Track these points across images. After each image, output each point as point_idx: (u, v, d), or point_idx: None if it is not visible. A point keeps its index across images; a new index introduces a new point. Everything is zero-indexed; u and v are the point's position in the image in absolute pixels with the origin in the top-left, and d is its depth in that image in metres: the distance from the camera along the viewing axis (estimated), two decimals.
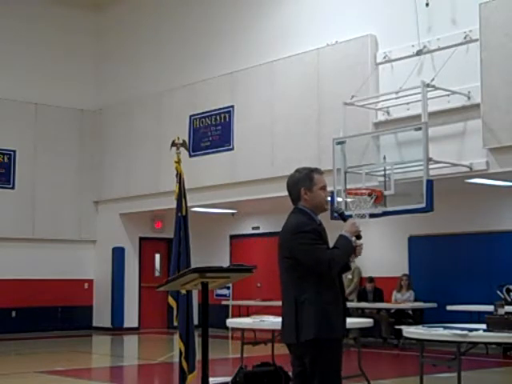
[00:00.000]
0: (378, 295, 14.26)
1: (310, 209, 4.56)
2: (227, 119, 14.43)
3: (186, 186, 7.41)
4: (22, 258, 16.77)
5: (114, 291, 17.47)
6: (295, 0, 13.93)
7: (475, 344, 6.89)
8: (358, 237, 4.50)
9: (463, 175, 10.88)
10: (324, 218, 4.71)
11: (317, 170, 4.65)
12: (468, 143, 10.79)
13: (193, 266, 6.09)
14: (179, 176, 7.27)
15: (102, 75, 18.37)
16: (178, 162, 7.28)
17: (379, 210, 10.60)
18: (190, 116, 15.18)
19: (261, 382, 8.42)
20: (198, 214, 15.11)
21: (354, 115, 11.61)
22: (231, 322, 9.63)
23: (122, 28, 17.96)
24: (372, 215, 10.64)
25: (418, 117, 10.41)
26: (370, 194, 10.54)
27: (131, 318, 17.56)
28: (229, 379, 8.48)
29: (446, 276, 13.77)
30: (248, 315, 12.97)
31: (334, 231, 4.66)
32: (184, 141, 7.59)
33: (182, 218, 7.22)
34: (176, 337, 7.67)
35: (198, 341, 6.24)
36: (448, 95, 10.83)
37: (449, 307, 12.69)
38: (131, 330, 17.30)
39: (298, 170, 4.66)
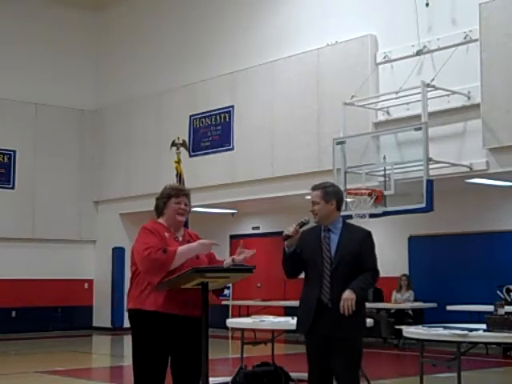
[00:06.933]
0: (378, 295, 14.24)
1: None
2: (227, 119, 14.43)
3: (186, 186, 7.40)
4: (22, 257, 16.75)
5: (113, 291, 17.44)
6: (295, 0, 13.93)
7: (475, 344, 6.89)
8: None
9: (463, 175, 10.88)
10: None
11: None
12: (468, 143, 10.79)
13: None
14: (179, 176, 7.28)
15: (102, 75, 18.36)
16: (178, 161, 7.31)
17: (379, 210, 10.60)
18: (190, 116, 15.18)
19: (261, 382, 8.42)
20: (198, 214, 15.08)
21: (353, 115, 11.61)
22: (231, 322, 9.62)
23: (121, 28, 17.95)
24: (372, 215, 10.64)
25: (418, 117, 10.41)
26: (370, 194, 10.54)
27: None
28: (229, 379, 8.47)
29: (446, 276, 13.76)
30: (248, 315, 12.96)
31: None
32: (184, 141, 7.62)
33: None
34: None
35: None
36: (448, 95, 10.83)
37: (449, 307, 12.68)
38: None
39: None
